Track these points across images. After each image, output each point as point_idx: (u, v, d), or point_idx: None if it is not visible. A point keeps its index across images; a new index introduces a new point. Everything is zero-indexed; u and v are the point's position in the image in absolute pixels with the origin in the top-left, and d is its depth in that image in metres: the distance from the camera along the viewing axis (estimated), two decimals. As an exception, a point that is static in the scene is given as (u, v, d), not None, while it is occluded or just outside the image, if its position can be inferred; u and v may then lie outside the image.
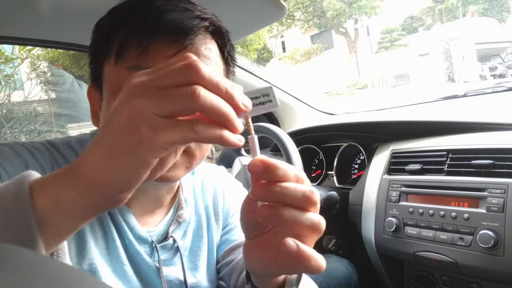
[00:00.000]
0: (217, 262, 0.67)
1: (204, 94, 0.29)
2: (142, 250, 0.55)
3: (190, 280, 0.60)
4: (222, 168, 0.74)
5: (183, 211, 0.61)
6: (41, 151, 0.51)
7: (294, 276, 0.44)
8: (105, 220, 0.52)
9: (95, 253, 0.50)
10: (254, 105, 0.33)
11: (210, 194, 0.67)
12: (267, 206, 0.34)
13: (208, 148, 0.54)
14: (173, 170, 0.50)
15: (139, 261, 0.55)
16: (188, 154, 0.50)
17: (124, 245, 0.53)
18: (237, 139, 0.31)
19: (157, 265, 0.56)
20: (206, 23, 0.49)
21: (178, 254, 0.59)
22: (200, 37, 0.49)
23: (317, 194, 0.35)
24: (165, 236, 0.59)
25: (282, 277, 0.44)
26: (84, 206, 0.32)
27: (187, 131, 0.29)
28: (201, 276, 0.62)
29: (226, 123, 0.30)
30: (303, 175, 0.36)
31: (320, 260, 0.34)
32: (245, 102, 0.31)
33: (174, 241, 0.59)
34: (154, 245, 0.56)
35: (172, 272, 0.58)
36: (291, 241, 0.33)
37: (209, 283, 0.64)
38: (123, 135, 0.29)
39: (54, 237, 0.32)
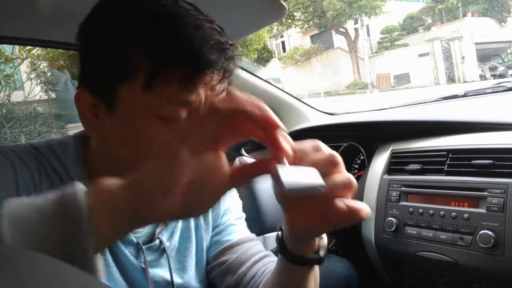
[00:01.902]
0: (207, 263, 0.66)
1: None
2: (128, 252, 0.55)
3: (177, 281, 0.60)
4: None
5: None
6: (27, 154, 0.51)
7: (325, 239, 0.50)
8: None
9: None
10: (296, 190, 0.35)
11: None
12: None
13: None
14: None
15: (125, 263, 0.55)
16: None
17: (109, 247, 0.53)
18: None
19: (143, 266, 0.56)
20: (235, 64, 0.50)
21: (165, 255, 0.59)
22: None
23: (337, 156, 0.39)
24: (151, 237, 0.59)
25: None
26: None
27: None
28: (188, 277, 0.62)
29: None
30: (320, 144, 0.40)
31: (366, 207, 0.38)
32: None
33: (161, 242, 0.59)
34: (139, 246, 0.56)
35: (159, 273, 0.58)
36: (340, 203, 0.37)
37: (197, 284, 0.63)
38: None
39: (103, 238, 0.33)
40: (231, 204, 0.71)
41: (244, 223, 0.72)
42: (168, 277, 0.59)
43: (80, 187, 0.33)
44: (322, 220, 0.40)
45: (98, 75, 0.49)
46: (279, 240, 0.49)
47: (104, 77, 0.48)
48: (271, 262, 0.63)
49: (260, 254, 0.65)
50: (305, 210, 0.41)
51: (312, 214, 0.41)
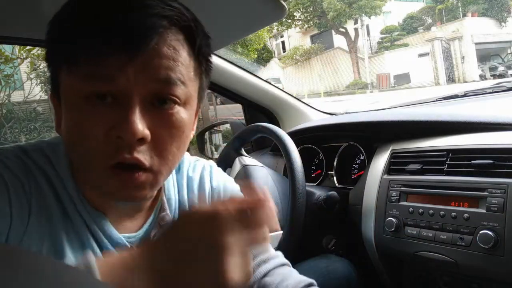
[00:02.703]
0: None
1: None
2: None
3: None
4: (210, 162, 0.69)
5: (165, 214, 0.58)
6: (14, 161, 0.48)
7: None
8: (82, 229, 0.50)
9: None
10: None
11: (196, 193, 0.64)
12: None
13: (175, 162, 0.51)
14: (138, 190, 0.47)
15: None
16: (153, 172, 0.47)
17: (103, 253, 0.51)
18: None
19: None
20: (165, 23, 0.45)
21: None
22: (162, 36, 0.45)
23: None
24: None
25: None
26: None
27: None
28: None
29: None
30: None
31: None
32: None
33: None
34: None
35: None
36: None
37: None
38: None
39: None
40: None
41: None
42: None
43: (92, 260, 0.32)
44: None
45: (51, 70, 0.49)
46: None
47: (52, 71, 0.49)
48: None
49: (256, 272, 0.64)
50: None
51: None
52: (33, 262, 0.20)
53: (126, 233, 0.54)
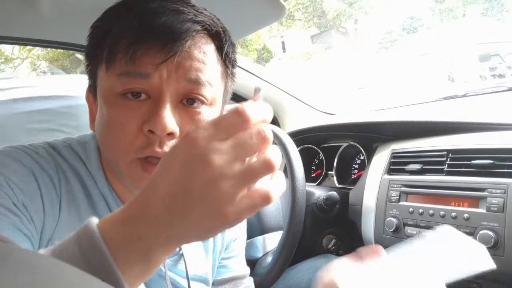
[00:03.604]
0: (213, 283, 0.67)
1: (277, 162, 0.30)
2: None
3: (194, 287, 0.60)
4: None
5: None
6: (44, 157, 0.50)
7: None
8: None
9: None
10: None
11: None
12: None
13: None
14: None
15: None
16: None
17: None
18: None
19: (163, 269, 0.56)
20: (198, 27, 0.48)
21: (182, 261, 0.59)
22: (194, 40, 0.48)
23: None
24: None
25: None
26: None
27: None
28: (203, 286, 0.63)
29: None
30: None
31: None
32: None
33: (180, 248, 0.58)
34: None
35: (176, 278, 0.58)
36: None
37: None
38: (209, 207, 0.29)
39: (136, 278, 0.31)
40: (241, 233, 0.73)
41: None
42: (185, 283, 0.58)
43: (93, 226, 0.30)
44: None
45: (90, 69, 0.52)
46: None
47: (91, 70, 0.52)
48: None
49: None
50: None
51: None
52: (32, 261, 0.20)
53: None
